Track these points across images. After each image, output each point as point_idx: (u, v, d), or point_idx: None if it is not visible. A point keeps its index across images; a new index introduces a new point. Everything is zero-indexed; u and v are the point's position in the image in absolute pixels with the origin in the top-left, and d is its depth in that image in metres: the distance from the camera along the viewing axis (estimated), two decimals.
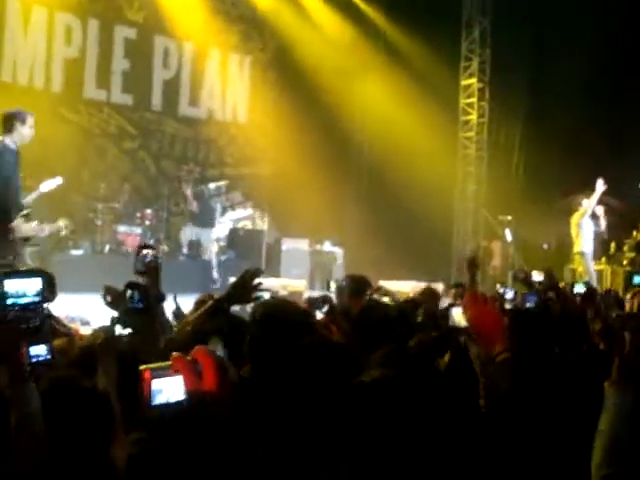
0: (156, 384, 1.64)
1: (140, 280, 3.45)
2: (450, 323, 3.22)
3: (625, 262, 12.61)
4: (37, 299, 1.91)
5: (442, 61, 14.39)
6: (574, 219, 11.92)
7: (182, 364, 1.67)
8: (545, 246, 14.72)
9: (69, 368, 2.68)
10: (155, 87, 13.35)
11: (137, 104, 13.10)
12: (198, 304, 3.79)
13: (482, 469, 2.18)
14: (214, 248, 11.59)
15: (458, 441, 2.15)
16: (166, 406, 1.65)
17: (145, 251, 3.25)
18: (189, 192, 11.88)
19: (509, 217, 13.96)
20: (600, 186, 11.54)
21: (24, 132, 6.44)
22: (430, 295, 5.33)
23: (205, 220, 11.87)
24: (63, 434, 1.93)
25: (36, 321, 1.91)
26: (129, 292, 2.97)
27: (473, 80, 15.29)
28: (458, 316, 3.22)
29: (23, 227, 6.78)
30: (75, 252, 10.94)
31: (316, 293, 7.89)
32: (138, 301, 2.86)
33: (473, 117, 15.32)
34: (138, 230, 11.29)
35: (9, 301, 1.88)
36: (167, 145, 13.52)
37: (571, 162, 14.86)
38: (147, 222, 11.61)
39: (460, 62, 15.37)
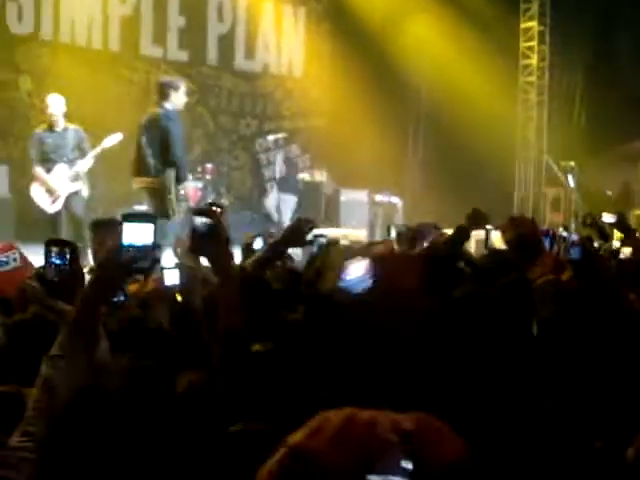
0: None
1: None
2: (487, 245, 3.23)
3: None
4: (149, 243, 2.04)
5: (500, 2, 14.06)
6: None
7: None
8: (609, 193, 14.40)
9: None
10: (210, 42, 13.38)
11: (193, 60, 13.16)
12: (244, 247, 3.91)
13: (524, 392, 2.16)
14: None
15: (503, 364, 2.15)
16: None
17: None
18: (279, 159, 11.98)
19: (572, 163, 13.67)
20: None
21: (179, 100, 7.02)
22: None
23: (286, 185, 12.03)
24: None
25: (145, 263, 2.04)
26: None
27: (533, 23, 14.87)
28: (496, 239, 3.21)
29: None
30: (138, 207, 11.11)
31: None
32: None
33: (533, 61, 14.95)
34: (200, 184, 11.42)
35: (126, 242, 2.02)
36: (225, 100, 13.58)
37: (634, 108, 14.45)
38: (208, 176, 11.72)
39: (519, 3, 14.97)
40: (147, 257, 2.04)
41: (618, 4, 14.24)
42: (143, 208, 10.98)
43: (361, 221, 12.16)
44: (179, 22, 12.98)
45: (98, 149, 8.05)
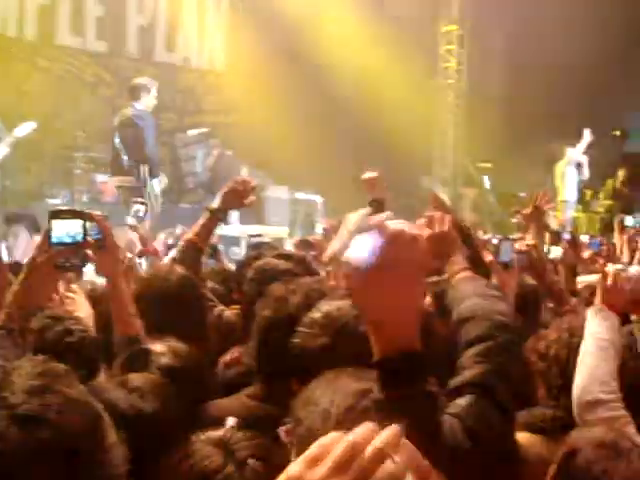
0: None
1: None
2: None
3: (601, 209, 12.76)
4: (79, 239, 2.01)
5: (421, 6, 14.28)
6: (559, 168, 12.08)
7: None
8: (523, 194, 14.81)
9: None
10: (130, 33, 13.12)
11: (112, 51, 12.88)
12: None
13: None
14: None
15: None
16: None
17: (137, 207, 3.35)
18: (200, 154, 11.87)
19: (488, 165, 14.02)
20: (587, 136, 11.69)
21: (150, 101, 7.35)
22: None
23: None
24: None
25: (76, 260, 2.02)
26: None
27: (453, 27, 15.19)
28: None
29: None
30: (52, 201, 10.84)
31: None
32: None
33: (452, 64, 15.26)
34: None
35: (54, 239, 1.99)
36: None
37: (549, 111, 14.89)
38: None
39: (439, 8, 15.25)
40: (78, 254, 2.00)
41: (533, 6, 14.65)
42: (56, 201, 10.74)
43: (283, 218, 12.15)
44: (98, 11, 12.68)
45: (9, 138, 7.78)
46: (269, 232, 9.37)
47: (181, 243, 3.31)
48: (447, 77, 15.32)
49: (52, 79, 12.09)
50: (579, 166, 12.06)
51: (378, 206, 3.55)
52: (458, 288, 1.99)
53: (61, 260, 1.98)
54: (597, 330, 2.46)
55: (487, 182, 13.69)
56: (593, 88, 15.11)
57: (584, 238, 7.42)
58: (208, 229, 3.25)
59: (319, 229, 5.29)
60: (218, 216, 3.27)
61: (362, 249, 1.31)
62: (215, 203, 3.37)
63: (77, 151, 11.01)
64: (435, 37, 15.27)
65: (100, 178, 10.99)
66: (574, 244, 5.55)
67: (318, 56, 13.57)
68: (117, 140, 7.25)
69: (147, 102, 7.41)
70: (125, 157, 7.15)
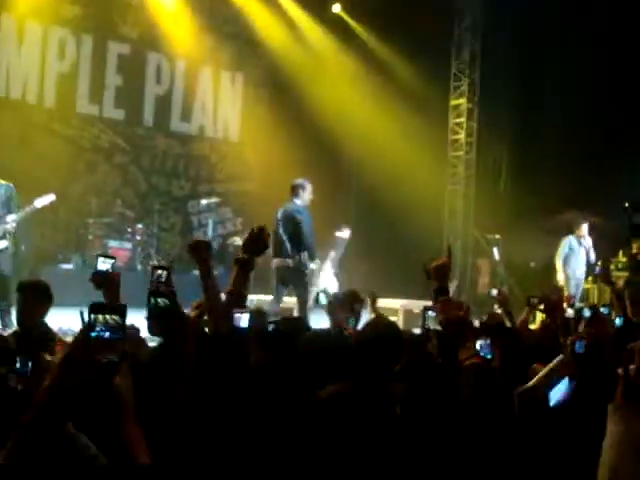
0: None
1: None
2: (425, 325, 3.32)
3: (618, 281, 12.69)
4: (119, 335, 1.89)
5: (432, 80, 14.54)
6: (560, 249, 12.34)
7: None
8: (532, 264, 14.83)
9: None
10: (147, 103, 13.42)
11: (129, 119, 13.16)
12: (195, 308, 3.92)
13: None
14: None
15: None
16: None
17: (159, 271, 3.43)
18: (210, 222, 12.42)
19: (497, 236, 14.06)
20: (585, 229, 12.08)
21: (307, 197, 8.66)
22: None
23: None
24: None
25: (114, 357, 1.89)
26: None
27: (462, 100, 15.43)
28: (432, 319, 3.33)
29: None
30: (65, 266, 10.95)
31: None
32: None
33: (462, 136, 15.45)
34: (128, 245, 11.31)
35: (93, 333, 1.87)
36: (158, 160, 13.57)
37: (557, 182, 15.02)
38: (138, 237, 11.62)
39: (450, 82, 15.53)
40: (117, 349, 1.89)
41: (541, 80, 14.91)
42: (69, 267, 10.84)
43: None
44: (117, 81, 13.00)
45: (29, 209, 7.92)
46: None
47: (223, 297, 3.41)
48: (457, 149, 15.49)
49: (69, 145, 12.33)
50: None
51: (443, 293, 3.67)
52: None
53: (99, 356, 1.86)
54: None
55: (496, 253, 13.72)
56: (603, 158, 15.28)
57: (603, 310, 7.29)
58: (240, 279, 3.36)
59: (323, 300, 5.19)
60: (245, 263, 3.36)
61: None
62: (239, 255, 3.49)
63: (90, 217, 11.15)
64: (445, 110, 15.50)
65: (112, 243, 11.10)
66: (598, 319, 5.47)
67: (330, 128, 13.81)
68: (280, 230, 8.57)
69: (304, 198, 8.66)
70: (287, 244, 8.44)
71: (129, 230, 11.60)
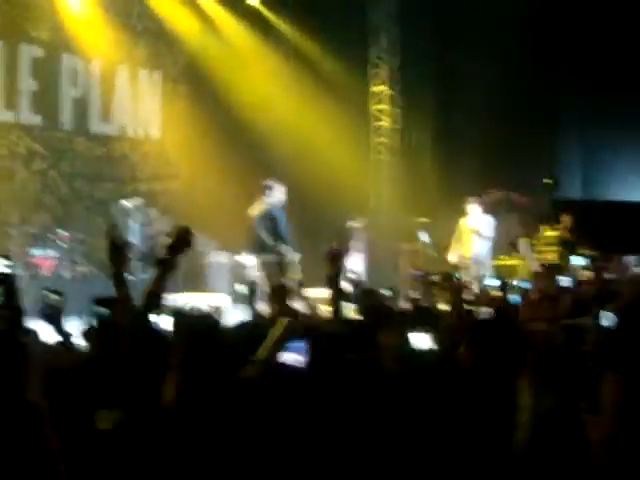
0: None
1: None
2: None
3: (537, 256, 12.98)
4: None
5: (352, 69, 14.64)
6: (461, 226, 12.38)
7: None
8: None
9: None
10: (64, 106, 13.13)
11: (46, 124, 12.85)
12: None
13: None
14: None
15: None
16: None
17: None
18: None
19: (425, 219, 14.24)
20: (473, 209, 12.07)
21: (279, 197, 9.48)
22: None
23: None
24: None
25: None
26: None
27: (383, 87, 15.56)
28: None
29: None
30: None
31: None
32: None
33: (385, 123, 15.59)
34: (54, 253, 11.06)
35: None
36: (79, 164, 13.30)
37: (481, 162, 15.32)
38: (63, 244, 11.38)
39: (367, 69, 15.64)
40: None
41: (462, 61, 15.13)
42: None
43: (225, 284, 12.17)
44: (31, 85, 12.68)
45: None
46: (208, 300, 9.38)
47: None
48: (380, 136, 15.62)
49: None
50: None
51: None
52: None
53: None
54: None
55: (425, 236, 13.88)
56: (525, 137, 15.63)
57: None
58: (160, 280, 3.35)
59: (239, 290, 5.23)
60: (168, 263, 3.34)
61: None
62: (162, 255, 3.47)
63: (11, 227, 10.86)
64: (366, 97, 15.62)
65: (36, 252, 10.84)
66: None
67: (251, 119, 13.78)
68: (258, 227, 9.32)
69: (277, 197, 9.52)
70: (267, 240, 9.19)
71: (52, 238, 11.35)
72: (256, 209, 9.64)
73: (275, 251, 9.30)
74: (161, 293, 3.35)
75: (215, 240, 13.17)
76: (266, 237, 9.28)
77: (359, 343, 3.32)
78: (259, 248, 9.40)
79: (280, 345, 2.90)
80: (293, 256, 9.50)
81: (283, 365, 2.86)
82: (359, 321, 4.17)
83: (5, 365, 2.35)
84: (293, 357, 2.84)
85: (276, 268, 9.30)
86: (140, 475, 2.16)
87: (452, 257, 12.08)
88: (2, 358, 2.38)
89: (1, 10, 12.13)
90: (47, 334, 3.79)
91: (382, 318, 3.83)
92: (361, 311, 4.27)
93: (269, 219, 9.38)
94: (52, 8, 12.61)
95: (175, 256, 3.38)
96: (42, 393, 2.37)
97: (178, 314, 3.68)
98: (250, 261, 13.01)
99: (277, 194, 9.57)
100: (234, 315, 7.67)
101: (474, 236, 11.98)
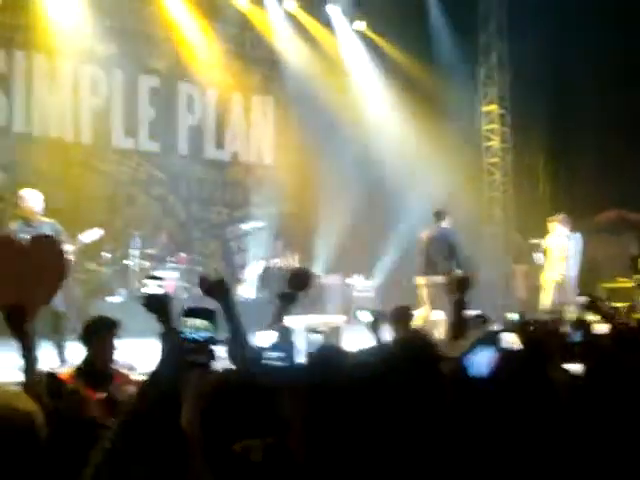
0: None
1: None
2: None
3: None
4: (208, 337, 2.12)
5: (460, 88, 14.52)
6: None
7: None
8: None
9: None
10: (181, 133, 13.55)
11: (164, 150, 13.29)
12: None
13: None
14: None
15: None
16: None
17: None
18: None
19: (537, 240, 13.92)
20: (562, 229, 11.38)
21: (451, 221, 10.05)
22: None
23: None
24: None
25: (203, 358, 2.08)
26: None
27: (493, 106, 15.37)
28: None
29: None
30: (111, 299, 11.06)
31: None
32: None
33: (495, 143, 15.38)
34: (173, 274, 11.38)
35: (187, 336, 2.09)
36: (195, 188, 13.67)
37: (595, 181, 14.87)
38: (182, 266, 11.70)
39: (478, 88, 15.49)
40: (205, 351, 2.07)
41: (574, 79, 14.77)
42: (115, 299, 10.95)
43: (338, 306, 12.25)
44: (150, 113, 13.15)
45: (78, 244, 8.03)
46: (328, 322, 9.42)
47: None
48: (492, 156, 15.41)
49: (107, 180, 12.49)
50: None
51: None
52: None
53: (191, 357, 2.03)
54: None
55: (539, 258, 13.55)
56: (638, 156, 15.09)
57: None
58: (283, 312, 3.40)
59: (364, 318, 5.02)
60: (289, 298, 3.39)
61: None
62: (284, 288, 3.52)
63: (134, 249, 11.23)
64: (476, 116, 15.46)
65: (157, 274, 11.12)
66: None
67: (360, 142, 13.84)
68: (432, 250, 9.71)
69: (450, 221, 10.05)
70: (440, 263, 9.54)
71: (173, 259, 11.68)
72: (427, 232, 10.08)
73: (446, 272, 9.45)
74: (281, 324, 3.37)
75: (327, 262, 13.29)
76: (438, 258, 9.68)
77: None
78: (429, 269, 9.74)
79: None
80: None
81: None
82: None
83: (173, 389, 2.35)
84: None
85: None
86: None
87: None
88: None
89: (122, 43, 12.62)
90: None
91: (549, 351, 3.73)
92: (524, 341, 4.10)
93: (442, 241, 9.81)
94: (169, 38, 13.06)
95: (296, 293, 3.42)
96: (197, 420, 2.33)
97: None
98: (361, 283, 13.08)
99: (449, 220, 10.10)
100: (351, 335, 7.69)
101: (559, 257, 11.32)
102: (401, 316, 5.48)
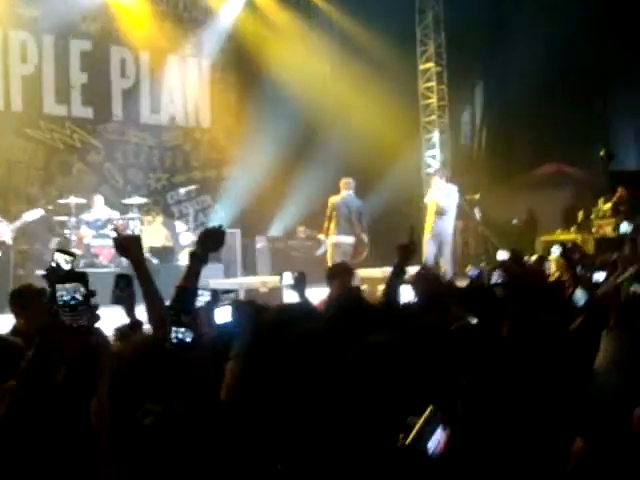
0: None
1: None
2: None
3: (594, 229, 12.82)
4: (80, 299, 2.08)
5: (398, 47, 14.55)
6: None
7: None
8: (515, 221, 14.94)
9: None
10: (115, 97, 13.33)
11: (98, 116, 13.07)
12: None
13: None
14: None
15: None
16: None
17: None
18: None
19: (477, 196, 14.13)
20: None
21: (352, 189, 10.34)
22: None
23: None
24: None
25: (82, 320, 2.08)
26: None
27: (430, 64, 15.44)
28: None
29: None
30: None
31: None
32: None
33: (433, 101, 15.48)
34: (111, 242, 11.25)
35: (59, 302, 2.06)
36: (132, 154, 13.51)
37: (531, 136, 15.13)
38: (121, 233, 11.56)
39: (416, 47, 15.53)
40: (84, 314, 2.06)
41: (509, 35, 14.92)
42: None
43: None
44: (81, 79, 12.90)
45: (18, 223, 8.02)
46: (266, 281, 9.49)
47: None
48: (430, 114, 15.51)
49: (41, 148, 12.26)
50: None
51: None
52: None
53: (70, 320, 2.04)
54: None
55: (477, 214, 13.81)
56: (576, 109, 15.38)
57: None
58: (195, 273, 3.35)
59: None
60: (199, 258, 3.36)
61: None
62: (195, 248, 3.49)
63: (70, 216, 11.07)
64: (414, 75, 15.51)
65: (95, 242, 11.03)
66: None
67: (298, 103, 13.79)
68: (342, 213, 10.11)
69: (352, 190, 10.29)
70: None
71: (110, 227, 11.53)
72: (336, 198, 10.25)
73: (355, 234, 10.11)
74: (193, 287, 3.29)
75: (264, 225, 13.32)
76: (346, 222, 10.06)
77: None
78: (338, 231, 10.07)
79: None
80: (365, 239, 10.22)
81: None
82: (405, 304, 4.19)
83: (81, 369, 2.35)
84: None
85: (349, 249, 10.00)
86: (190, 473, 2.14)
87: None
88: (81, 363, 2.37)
89: (49, 6, 12.31)
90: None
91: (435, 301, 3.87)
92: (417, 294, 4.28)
93: (347, 207, 10.12)
94: (100, 1, 12.78)
95: (207, 252, 3.40)
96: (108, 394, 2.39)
97: (239, 305, 3.66)
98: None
99: (353, 187, 10.29)
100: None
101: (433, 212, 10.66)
102: (339, 273, 5.54)
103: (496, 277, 4.54)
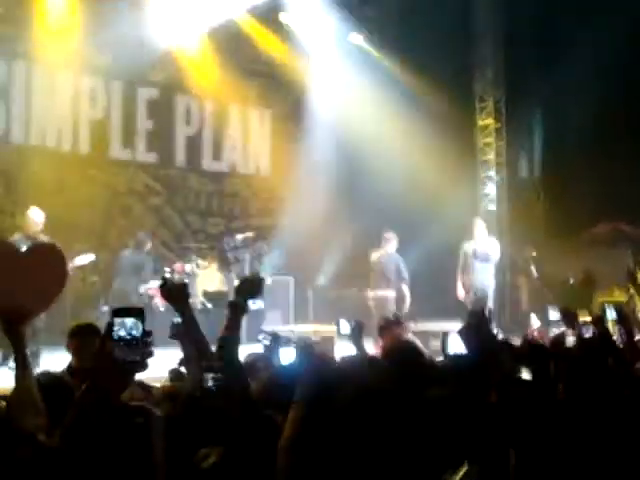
0: None
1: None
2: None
3: None
4: (138, 335, 2.07)
5: (457, 100, 14.60)
6: None
7: None
8: (571, 280, 14.67)
9: None
10: (178, 144, 13.66)
11: (162, 161, 13.39)
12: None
13: None
14: None
15: None
16: None
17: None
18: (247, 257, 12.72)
19: (533, 253, 13.99)
20: None
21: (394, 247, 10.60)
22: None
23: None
24: None
25: (136, 356, 2.05)
26: None
27: (490, 120, 15.45)
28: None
29: None
30: (106, 308, 11.06)
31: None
32: None
33: (491, 157, 15.44)
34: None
35: (115, 337, 2.05)
36: (192, 200, 13.76)
37: (589, 195, 14.92)
38: (177, 276, 11.72)
39: (475, 102, 15.56)
40: (138, 350, 2.05)
41: (568, 90, 14.82)
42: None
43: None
44: (147, 125, 13.26)
45: (70, 265, 8.17)
46: (318, 330, 9.48)
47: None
48: (487, 169, 15.47)
49: (104, 190, 12.57)
50: None
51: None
52: None
53: (123, 356, 2.03)
54: None
55: (534, 270, 13.64)
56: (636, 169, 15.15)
57: None
58: (235, 321, 3.34)
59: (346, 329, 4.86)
60: (239, 307, 3.34)
61: None
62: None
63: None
64: (472, 130, 15.52)
65: (152, 284, 11.15)
66: None
67: (358, 155, 13.89)
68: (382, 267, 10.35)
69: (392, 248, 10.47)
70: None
71: (168, 270, 11.71)
72: (378, 254, 10.47)
73: (396, 288, 10.24)
74: (234, 336, 3.20)
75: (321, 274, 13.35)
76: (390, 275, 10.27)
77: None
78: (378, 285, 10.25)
79: None
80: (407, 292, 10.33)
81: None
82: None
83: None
84: None
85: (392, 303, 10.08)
86: None
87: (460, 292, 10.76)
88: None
89: (121, 54, 12.70)
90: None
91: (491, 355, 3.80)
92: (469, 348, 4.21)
93: (386, 263, 10.34)
94: (168, 51, 13.16)
95: (245, 301, 3.38)
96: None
97: (303, 347, 3.64)
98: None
99: (394, 243, 10.46)
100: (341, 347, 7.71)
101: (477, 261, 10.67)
102: (390, 326, 5.46)
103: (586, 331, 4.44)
